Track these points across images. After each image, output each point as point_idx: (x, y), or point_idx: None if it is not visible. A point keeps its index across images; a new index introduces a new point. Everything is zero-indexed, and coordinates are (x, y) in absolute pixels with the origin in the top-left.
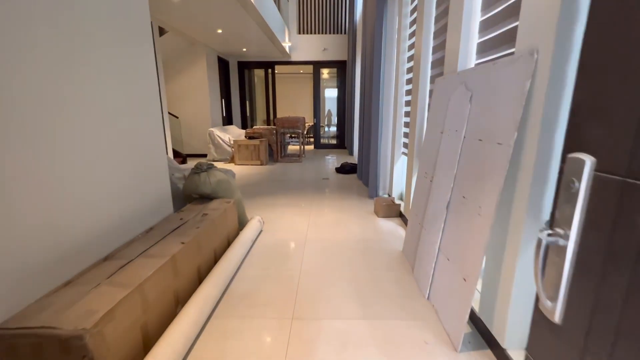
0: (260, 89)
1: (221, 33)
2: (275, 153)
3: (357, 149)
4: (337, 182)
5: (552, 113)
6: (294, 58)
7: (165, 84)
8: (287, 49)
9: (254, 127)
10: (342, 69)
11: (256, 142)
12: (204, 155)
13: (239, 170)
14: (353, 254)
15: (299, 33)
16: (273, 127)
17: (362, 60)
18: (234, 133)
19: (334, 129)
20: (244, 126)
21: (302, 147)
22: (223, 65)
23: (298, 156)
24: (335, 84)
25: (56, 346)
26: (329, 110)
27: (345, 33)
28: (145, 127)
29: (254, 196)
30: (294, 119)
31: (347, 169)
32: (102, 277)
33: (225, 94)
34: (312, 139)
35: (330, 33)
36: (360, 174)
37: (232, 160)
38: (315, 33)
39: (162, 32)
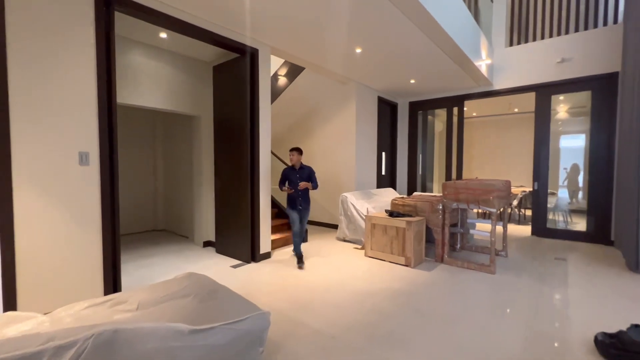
0: (441, 138)
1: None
2: (438, 245)
3: None
4: None
5: None
6: (498, 85)
7: (301, 136)
8: (486, 72)
9: (414, 193)
10: (602, 89)
11: (401, 222)
12: (335, 227)
13: (360, 272)
14: None
15: (510, 45)
16: (437, 196)
17: None
18: (383, 201)
19: (576, 196)
20: (410, 189)
21: (503, 232)
22: (389, 109)
23: (489, 261)
24: (582, 126)
25: None
26: (574, 166)
27: (611, 23)
28: None
29: None
30: (483, 186)
31: None
32: None
33: (390, 145)
34: (524, 211)
35: (571, 32)
36: None
37: (364, 246)
38: (538, 39)
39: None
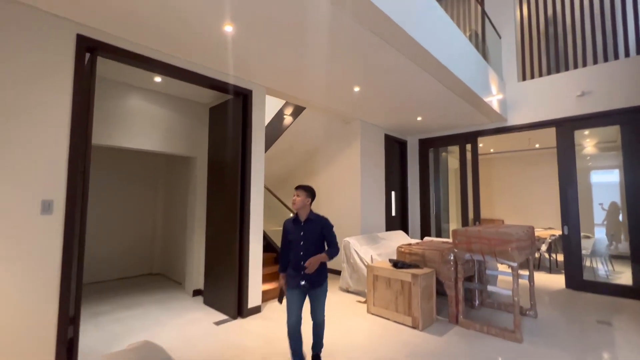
0: (457, 176)
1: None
2: (452, 303)
3: None
4: None
5: None
6: (513, 121)
7: (304, 176)
8: (498, 108)
9: (426, 238)
10: (632, 123)
11: (406, 274)
12: (338, 272)
13: (360, 337)
14: None
15: (523, 80)
16: (449, 242)
17: None
18: (391, 247)
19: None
20: (423, 232)
21: (530, 287)
22: (397, 146)
23: (514, 325)
24: (614, 161)
25: None
26: (613, 204)
27: (634, 54)
28: None
29: None
30: (499, 235)
31: None
32: None
33: (400, 184)
34: (556, 256)
35: (589, 64)
36: None
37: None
38: (554, 72)
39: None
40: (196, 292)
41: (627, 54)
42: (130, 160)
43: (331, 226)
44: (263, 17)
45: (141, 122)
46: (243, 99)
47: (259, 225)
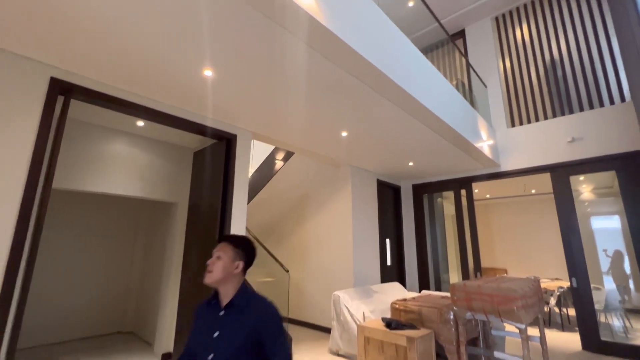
0: (452, 223)
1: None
2: None
3: None
4: None
5: None
6: (506, 167)
7: (294, 224)
8: (490, 153)
9: (423, 292)
10: (627, 169)
11: (401, 337)
12: (328, 330)
13: None
14: None
15: (512, 126)
16: (447, 297)
17: None
18: (386, 301)
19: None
20: (422, 283)
21: (542, 350)
22: (391, 192)
23: None
24: (613, 207)
25: None
26: (617, 253)
27: (618, 101)
28: None
29: None
30: (502, 291)
31: None
32: None
33: (395, 231)
34: (567, 310)
35: (575, 111)
36: None
37: None
38: (543, 118)
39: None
40: (165, 356)
41: (611, 101)
42: (108, 206)
43: (278, 325)
44: (241, 61)
45: (121, 167)
46: (227, 143)
47: None
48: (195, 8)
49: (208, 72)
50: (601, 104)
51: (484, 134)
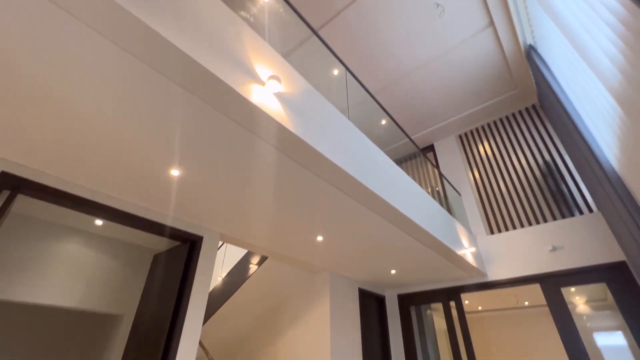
0: (444, 338)
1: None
2: None
3: None
4: None
5: None
6: (494, 276)
7: (267, 336)
8: (474, 262)
9: None
10: (617, 281)
11: None
12: None
13: None
14: None
15: (491, 233)
16: None
17: None
18: None
19: None
20: None
21: None
22: (375, 302)
23: None
24: (612, 322)
25: None
26: None
27: (587, 212)
28: None
29: None
30: None
31: None
32: None
33: (381, 347)
34: None
35: (553, 219)
36: None
37: None
38: (520, 226)
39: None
40: None
41: (580, 212)
42: (36, 319)
43: None
44: (211, 163)
45: (66, 271)
46: (191, 245)
47: None
48: (166, 112)
49: (175, 172)
50: (571, 214)
51: (464, 240)
